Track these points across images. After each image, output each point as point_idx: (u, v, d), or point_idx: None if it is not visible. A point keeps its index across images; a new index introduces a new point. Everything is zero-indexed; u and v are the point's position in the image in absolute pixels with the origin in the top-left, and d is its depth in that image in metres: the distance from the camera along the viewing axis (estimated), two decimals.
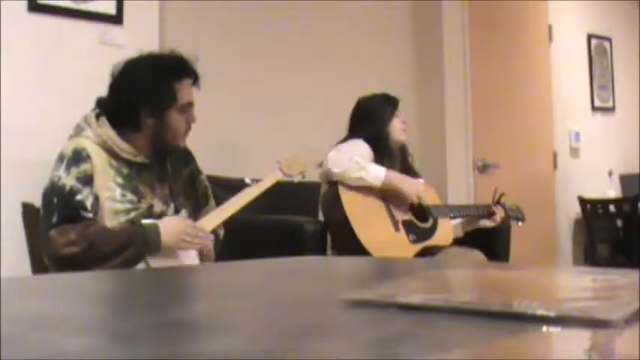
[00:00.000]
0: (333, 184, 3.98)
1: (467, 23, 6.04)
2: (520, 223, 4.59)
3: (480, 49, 6.12)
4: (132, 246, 3.00)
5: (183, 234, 3.11)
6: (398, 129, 4.25)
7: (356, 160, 3.94)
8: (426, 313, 0.92)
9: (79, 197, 3.00)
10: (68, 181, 3.01)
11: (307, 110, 5.25)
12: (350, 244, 3.84)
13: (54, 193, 3.02)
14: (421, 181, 4.32)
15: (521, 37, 6.65)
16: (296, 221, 3.94)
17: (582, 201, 6.82)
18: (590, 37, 7.49)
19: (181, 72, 3.24)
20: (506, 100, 6.40)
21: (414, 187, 4.08)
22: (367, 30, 5.67)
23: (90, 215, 3.00)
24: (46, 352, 0.71)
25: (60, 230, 2.97)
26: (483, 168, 6.08)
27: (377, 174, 3.97)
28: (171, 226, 3.11)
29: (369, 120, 4.22)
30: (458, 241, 4.29)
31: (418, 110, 5.69)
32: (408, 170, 4.32)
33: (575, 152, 7.12)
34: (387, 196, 4.05)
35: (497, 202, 4.45)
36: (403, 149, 4.34)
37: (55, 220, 2.98)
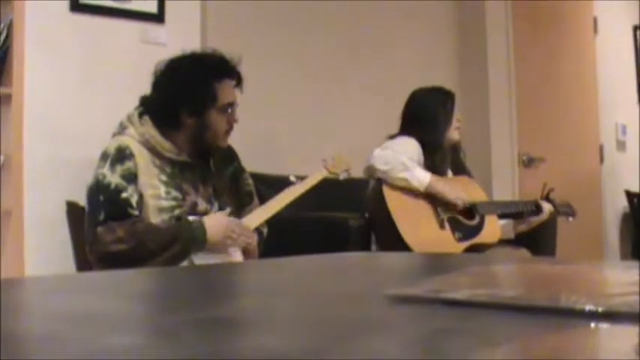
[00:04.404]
0: (378, 180, 3.95)
1: (510, 15, 6.00)
2: (571, 219, 4.52)
3: (525, 42, 6.08)
4: (178, 242, 3.02)
5: (229, 230, 3.13)
6: (452, 128, 4.19)
7: (402, 161, 3.88)
8: (471, 309, 0.91)
9: (124, 195, 3.02)
10: (113, 179, 3.03)
11: (352, 107, 5.24)
12: (394, 243, 3.79)
13: (99, 190, 3.04)
14: (470, 180, 4.29)
15: (566, 30, 6.59)
16: (340, 217, 3.93)
17: (629, 195, 6.75)
18: (635, 28, 7.40)
19: (222, 72, 3.24)
20: (552, 94, 6.35)
21: (457, 195, 4.01)
22: (411, 25, 5.65)
23: (136, 213, 3.03)
24: (87, 350, 0.71)
25: (107, 227, 2.99)
26: (528, 162, 6.04)
27: (421, 179, 3.90)
28: (216, 222, 3.12)
29: (427, 123, 4.11)
30: (503, 239, 4.24)
31: (462, 105, 5.62)
32: (458, 168, 4.28)
33: (621, 145, 7.05)
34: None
35: (546, 198, 4.38)
36: (455, 146, 4.28)
37: (101, 217, 3.00)
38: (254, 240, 3.25)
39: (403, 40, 5.60)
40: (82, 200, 3.23)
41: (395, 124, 4.22)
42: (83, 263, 3.24)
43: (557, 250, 4.69)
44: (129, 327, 0.88)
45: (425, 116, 4.15)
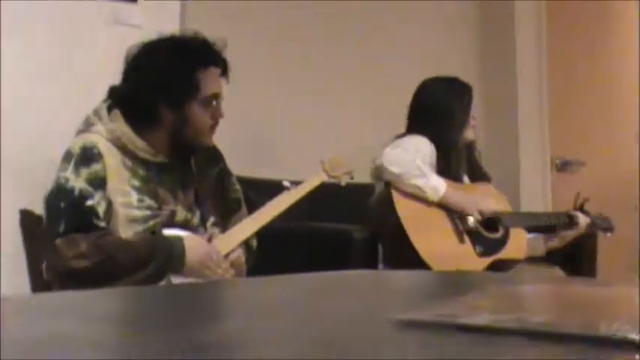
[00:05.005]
0: (386, 185, 3.94)
1: (544, 5, 6.01)
2: (609, 234, 4.53)
3: (559, 33, 6.08)
4: (154, 261, 2.98)
5: (208, 258, 3.09)
6: (469, 127, 4.20)
7: (417, 164, 3.88)
8: (491, 336, 0.91)
9: (89, 202, 2.99)
10: (77, 183, 3.00)
11: (355, 102, 5.21)
12: (405, 256, 3.78)
13: (61, 197, 3.01)
14: (490, 186, 4.29)
15: (607, 19, 6.59)
16: (342, 229, 3.92)
17: None
18: None
19: (206, 59, 3.22)
20: (589, 91, 6.35)
21: (476, 205, 4.02)
22: (428, 15, 5.65)
23: (102, 224, 2.99)
24: None
25: (68, 240, 2.95)
26: (562, 166, 6.04)
27: (436, 187, 3.90)
28: (196, 244, 3.09)
29: (441, 119, 4.11)
30: (533, 256, 4.23)
31: (486, 102, 5.63)
32: (474, 171, 4.28)
33: None
34: None
35: (581, 209, 4.39)
36: (469, 146, 4.28)
37: (62, 228, 2.97)
38: (229, 274, 3.21)
39: (415, 32, 5.58)
40: (38, 208, 3.21)
41: (403, 124, 4.21)
42: (38, 280, 3.22)
43: (598, 270, 4.68)
44: (93, 352, 0.88)
45: (438, 111, 4.15)
